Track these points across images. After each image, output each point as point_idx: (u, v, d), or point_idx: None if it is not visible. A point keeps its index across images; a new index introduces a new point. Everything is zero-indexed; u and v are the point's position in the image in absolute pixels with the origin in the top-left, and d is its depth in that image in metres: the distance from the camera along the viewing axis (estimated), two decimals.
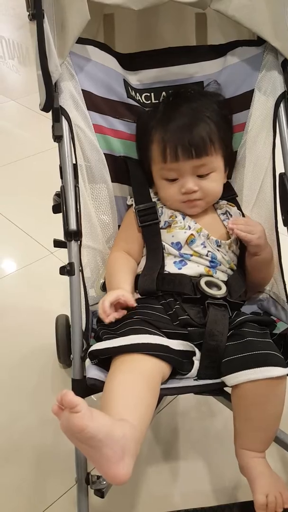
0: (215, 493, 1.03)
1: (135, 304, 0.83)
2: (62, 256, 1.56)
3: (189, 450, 1.12)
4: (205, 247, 0.91)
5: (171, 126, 0.90)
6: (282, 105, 0.88)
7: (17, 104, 2.80)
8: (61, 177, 0.87)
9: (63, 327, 1.26)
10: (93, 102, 0.93)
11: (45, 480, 1.06)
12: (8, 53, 3.63)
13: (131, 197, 1.00)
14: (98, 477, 0.80)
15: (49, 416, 1.20)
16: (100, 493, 0.80)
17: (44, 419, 1.18)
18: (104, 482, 0.80)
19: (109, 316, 0.80)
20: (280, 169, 0.89)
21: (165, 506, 0.96)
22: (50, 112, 0.86)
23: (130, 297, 0.82)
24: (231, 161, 0.98)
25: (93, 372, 0.77)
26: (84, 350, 0.82)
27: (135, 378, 0.72)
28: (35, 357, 1.33)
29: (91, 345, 0.80)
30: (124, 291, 0.83)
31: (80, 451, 0.76)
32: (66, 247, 1.05)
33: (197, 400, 1.21)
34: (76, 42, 0.86)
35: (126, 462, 0.61)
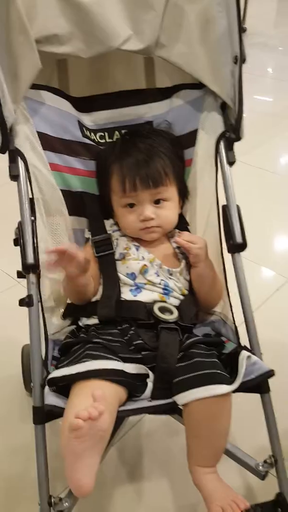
0: (179, 509, 1.07)
1: (82, 257, 0.87)
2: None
3: (154, 470, 1.15)
4: (158, 275, 0.97)
5: (130, 160, 0.97)
6: (222, 144, 0.96)
7: None
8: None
9: (28, 357, 1.29)
10: (48, 143, 0.99)
11: (15, 507, 1.07)
12: None
13: (88, 230, 1.06)
14: (60, 499, 0.83)
15: (17, 444, 1.23)
16: None
17: (12, 447, 1.20)
18: (66, 504, 0.83)
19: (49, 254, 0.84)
20: (223, 201, 0.97)
21: None
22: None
23: (79, 253, 0.87)
24: (184, 193, 1.05)
25: (51, 399, 0.81)
26: (44, 378, 0.86)
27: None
28: (1, 387, 1.36)
29: (51, 373, 0.85)
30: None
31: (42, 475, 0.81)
32: None
33: (161, 421, 1.25)
34: (30, 88, 0.92)
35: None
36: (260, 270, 1.74)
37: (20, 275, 1.13)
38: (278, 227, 1.99)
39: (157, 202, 0.98)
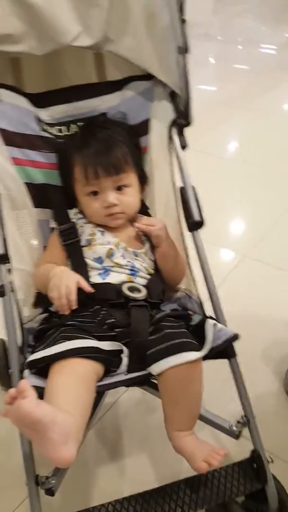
0: (162, 479, 1.11)
1: (92, 290, 0.93)
2: None
3: (133, 447, 1.21)
4: (124, 258, 1.02)
5: (90, 150, 1.01)
6: (173, 130, 1.02)
7: None
8: None
9: (1, 350, 1.31)
10: (9, 138, 1.03)
11: None
12: None
13: (53, 220, 1.10)
14: (47, 477, 0.87)
15: None
16: (50, 492, 0.86)
17: None
18: (53, 481, 0.87)
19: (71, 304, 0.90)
20: (180, 184, 1.03)
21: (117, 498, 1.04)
22: None
23: (86, 284, 0.93)
24: (143, 179, 1.10)
25: (32, 380, 0.84)
26: (22, 364, 0.89)
27: (72, 379, 0.80)
28: None
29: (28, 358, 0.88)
30: (80, 277, 0.93)
31: (27, 455, 0.84)
32: None
33: (136, 400, 1.30)
34: None
35: (69, 446, 0.69)
36: (218, 250, 1.83)
37: None
38: (230, 209, 2.08)
39: (119, 188, 1.02)
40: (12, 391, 0.68)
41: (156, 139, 1.08)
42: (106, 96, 1.11)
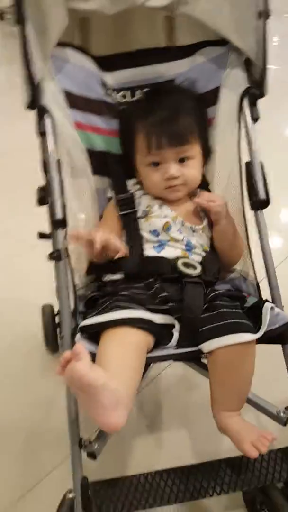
0: (198, 457, 1.12)
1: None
2: (42, 250, 1.62)
3: (172, 422, 1.21)
4: (180, 233, 0.99)
5: (155, 118, 0.97)
6: (245, 100, 0.97)
7: None
8: (45, 171, 0.93)
9: (49, 315, 1.34)
10: (73, 101, 1.00)
11: (40, 455, 1.13)
12: None
13: (111, 189, 1.08)
14: (90, 441, 0.88)
15: (39, 397, 1.28)
16: (93, 456, 0.87)
17: (34, 401, 1.25)
18: (96, 446, 0.88)
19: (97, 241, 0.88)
20: (246, 158, 0.98)
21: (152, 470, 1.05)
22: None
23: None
24: (207, 152, 1.06)
25: (83, 344, 0.84)
26: (73, 328, 0.89)
27: (125, 347, 0.80)
28: (21, 345, 1.40)
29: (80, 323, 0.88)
30: (116, 239, 0.92)
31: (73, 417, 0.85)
32: (50, 238, 1.12)
33: (178, 377, 1.30)
34: (56, 45, 0.93)
35: (119, 413, 0.69)
36: (272, 235, 1.76)
37: (41, 236, 1.16)
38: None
39: (181, 160, 0.99)
40: (67, 353, 0.68)
41: (225, 109, 1.02)
42: (175, 61, 1.06)
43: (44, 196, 0.96)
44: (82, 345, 0.70)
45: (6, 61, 3.55)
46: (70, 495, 0.87)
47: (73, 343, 0.87)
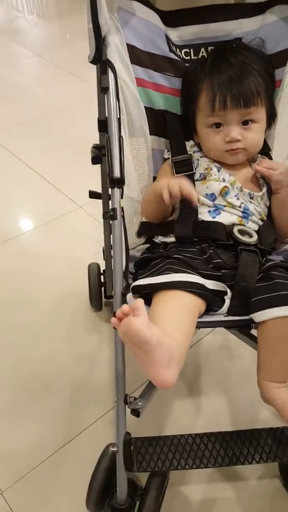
0: (236, 424, 1.13)
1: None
2: (90, 210, 1.64)
3: (211, 388, 1.22)
4: (238, 198, 0.97)
5: (221, 76, 0.93)
6: None
7: (41, 59, 2.81)
8: (100, 130, 0.91)
9: (95, 274, 1.35)
10: (136, 56, 0.97)
11: (81, 408, 1.17)
12: (27, 9, 3.59)
13: (168, 151, 1.06)
14: (135, 398, 0.90)
15: (82, 354, 1.31)
16: (136, 413, 0.89)
17: (78, 356, 1.28)
18: (140, 403, 0.90)
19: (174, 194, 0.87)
20: None
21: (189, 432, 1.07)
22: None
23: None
24: (272, 116, 1.02)
25: None
26: (125, 287, 0.90)
27: (178, 308, 0.80)
28: (67, 302, 1.43)
29: (130, 284, 0.88)
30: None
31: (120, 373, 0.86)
32: (100, 198, 1.12)
33: (219, 344, 1.30)
34: None
35: (172, 370, 0.70)
36: None
37: (92, 195, 1.16)
38: None
39: (245, 123, 0.95)
40: (125, 306, 0.68)
41: None
42: (245, 19, 1.01)
43: (98, 155, 0.95)
44: (141, 302, 0.70)
45: (57, 14, 3.49)
46: (113, 449, 0.90)
47: (123, 301, 0.88)
